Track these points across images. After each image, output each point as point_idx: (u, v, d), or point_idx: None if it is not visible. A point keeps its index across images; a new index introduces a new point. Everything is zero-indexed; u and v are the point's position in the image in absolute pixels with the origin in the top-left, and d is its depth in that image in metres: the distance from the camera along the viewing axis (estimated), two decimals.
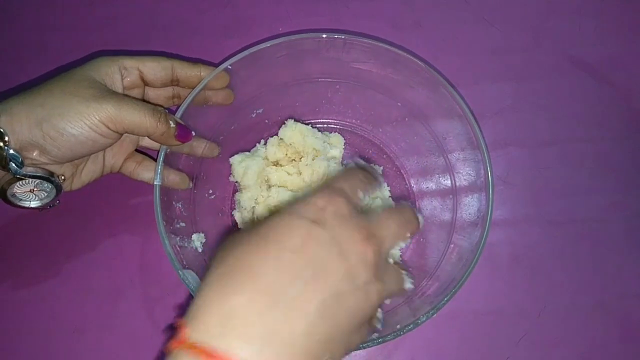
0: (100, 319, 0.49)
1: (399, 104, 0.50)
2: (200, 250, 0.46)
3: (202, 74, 0.47)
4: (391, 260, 0.33)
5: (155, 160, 0.45)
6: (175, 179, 0.46)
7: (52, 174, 0.43)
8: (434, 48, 0.59)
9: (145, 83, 0.47)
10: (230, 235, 0.29)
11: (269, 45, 0.45)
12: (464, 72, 0.58)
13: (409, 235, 0.33)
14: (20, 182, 0.42)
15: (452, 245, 0.45)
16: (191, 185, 0.48)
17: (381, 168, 0.54)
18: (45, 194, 0.45)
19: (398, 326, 0.38)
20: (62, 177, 0.45)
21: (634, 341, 0.49)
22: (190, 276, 0.40)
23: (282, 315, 0.25)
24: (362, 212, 0.31)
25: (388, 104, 0.50)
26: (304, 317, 0.25)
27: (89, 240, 0.52)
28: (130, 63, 0.45)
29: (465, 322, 0.49)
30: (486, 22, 0.61)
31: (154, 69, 0.45)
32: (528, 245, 0.52)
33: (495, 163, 0.44)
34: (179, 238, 0.43)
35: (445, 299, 0.39)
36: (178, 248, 0.42)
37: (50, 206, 0.46)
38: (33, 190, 0.44)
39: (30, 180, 0.43)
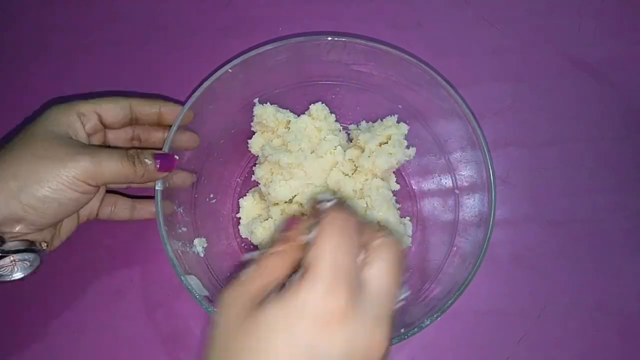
0: (100, 319, 0.49)
1: (399, 106, 0.50)
2: (202, 255, 0.46)
3: (161, 110, 0.45)
4: None
5: (128, 196, 0.47)
6: (178, 179, 0.45)
7: (33, 243, 0.41)
8: (434, 48, 0.59)
9: (105, 126, 0.44)
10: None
11: (269, 48, 0.45)
12: (464, 72, 0.58)
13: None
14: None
15: (454, 248, 0.45)
16: (194, 178, 0.48)
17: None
18: (28, 264, 0.42)
19: (402, 330, 0.38)
20: (45, 244, 0.42)
21: (634, 341, 0.49)
22: (193, 282, 0.40)
23: None
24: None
25: (389, 106, 0.50)
26: None
27: (89, 242, 0.52)
28: (86, 107, 0.42)
29: (465, 322, 0.49)
30: (486, 22, 0.61)
31: (112, 110, 0.43)
32: (528, 245, 0.52)
33: (496, 163, 0.44)
34: (180, 243, 0.43)
35: (450, 301, 0.39)
36: (180, 253, 0.41)
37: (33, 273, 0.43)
38: (15, 261, 0.41)
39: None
